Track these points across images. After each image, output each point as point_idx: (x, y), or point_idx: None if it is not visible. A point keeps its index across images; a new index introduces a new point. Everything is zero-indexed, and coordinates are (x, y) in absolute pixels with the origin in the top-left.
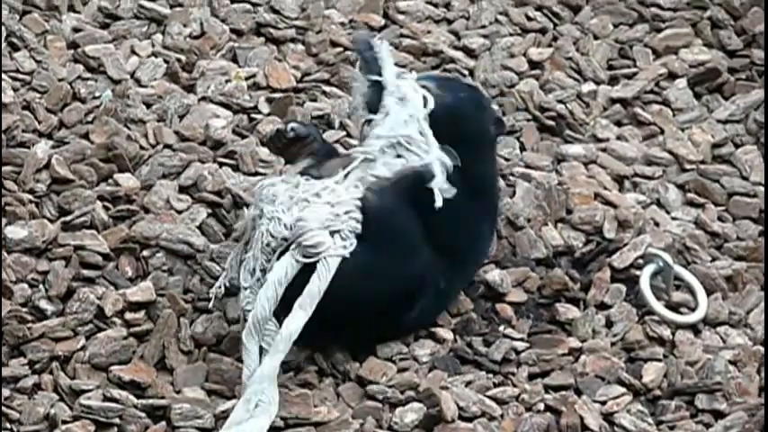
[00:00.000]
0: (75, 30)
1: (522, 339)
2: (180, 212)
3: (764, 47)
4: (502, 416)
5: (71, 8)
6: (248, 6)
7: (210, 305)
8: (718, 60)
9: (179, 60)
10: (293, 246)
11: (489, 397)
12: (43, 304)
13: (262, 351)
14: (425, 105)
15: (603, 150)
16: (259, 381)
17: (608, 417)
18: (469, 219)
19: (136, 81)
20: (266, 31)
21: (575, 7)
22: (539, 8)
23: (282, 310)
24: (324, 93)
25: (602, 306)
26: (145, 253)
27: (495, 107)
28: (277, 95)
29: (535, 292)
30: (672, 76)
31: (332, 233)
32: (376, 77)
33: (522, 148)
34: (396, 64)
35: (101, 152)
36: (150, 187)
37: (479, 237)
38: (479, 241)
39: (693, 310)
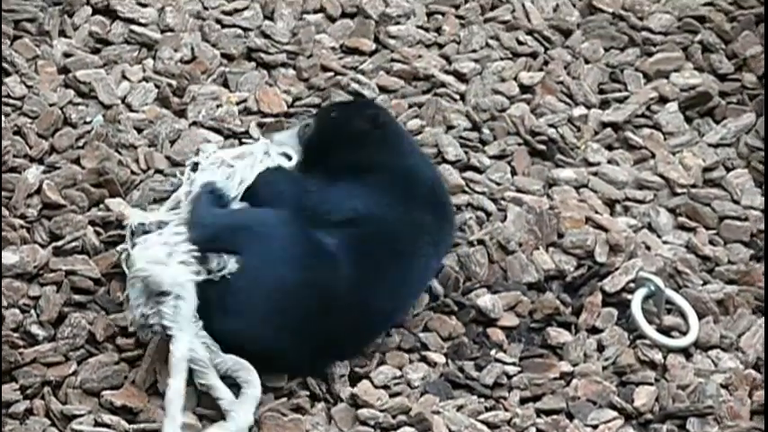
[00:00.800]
0: (66, 55)
1: (513, 363)
2: None
3: (765, 71)
4: None
5: (62, 33)
6: (239, 31)
7: None
8: (709, 84)
9: (170, 85)
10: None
11: (481, 421)
12: (35, 329)
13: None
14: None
15: (595, 174)
16: (171, 403)
17: None
18: (352, 191)
19: (127, 106)
20: (257, 55)
21: (565, 31)
22: (529, 32)
23: None
24: None
25: (594, 330)
26: None
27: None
28: (268, 120)
29: (527, 316)
30: (663, 99)
31: (180, 263)
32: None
33: (514, 173)
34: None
35: (92, 177)
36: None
37: (352, 198)
38: (348, 202)
39: (685, 333)
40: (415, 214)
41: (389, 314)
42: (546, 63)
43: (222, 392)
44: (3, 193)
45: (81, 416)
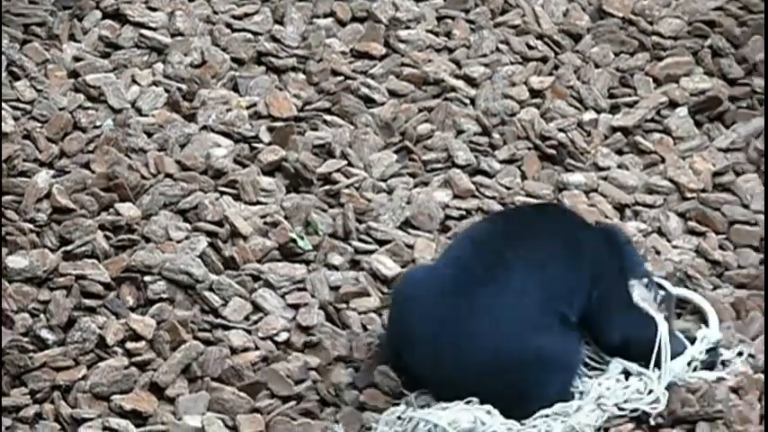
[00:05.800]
0: (76, 59)
1: None
2: (179, 242)
3: (765, 75)
4: None
5: (72, 37)
6: (249, 35)
7: None
8: (718, 89)
9: (180, 89)
10: None
11: None
12: (44, 334)
13: None
14: None
15: (604, 179)
16: None
17: None
18: None
19: (137, 110)
20: (267, 60)
21: (575, 36)
22: (539, 37)
23: None
24: (325, 122)
25: None
26: (146, 281)
27: None
28: (278, 124)
29: None
30: (673, 104)
31: None
32: None
33: (524, 177)
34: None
35: (102, 181)
36: (151, 216)
37: None
38: None
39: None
40: None
41: None
42: (556, 67)
43: None
44: (13, 198)
45: (90, 420)
